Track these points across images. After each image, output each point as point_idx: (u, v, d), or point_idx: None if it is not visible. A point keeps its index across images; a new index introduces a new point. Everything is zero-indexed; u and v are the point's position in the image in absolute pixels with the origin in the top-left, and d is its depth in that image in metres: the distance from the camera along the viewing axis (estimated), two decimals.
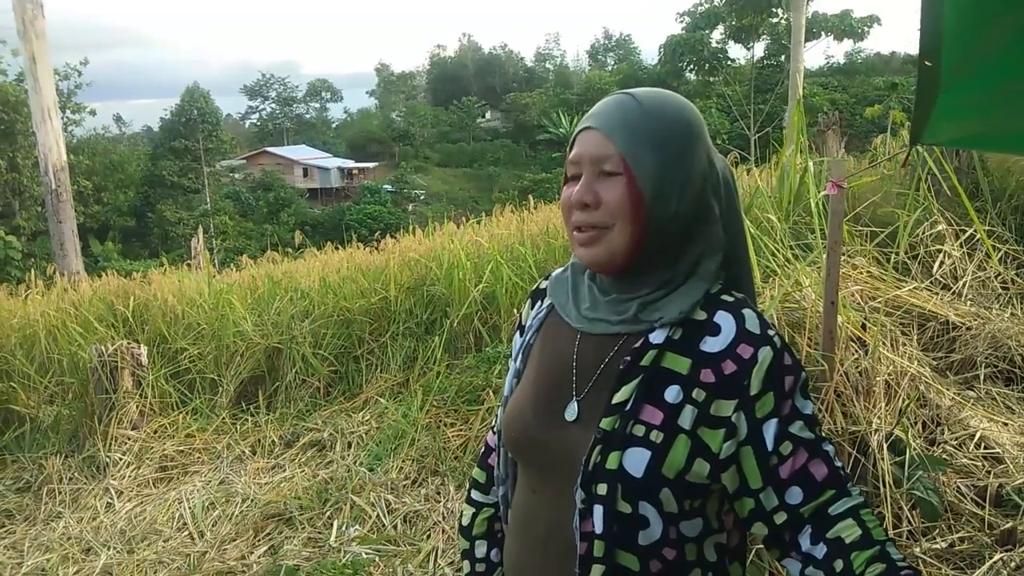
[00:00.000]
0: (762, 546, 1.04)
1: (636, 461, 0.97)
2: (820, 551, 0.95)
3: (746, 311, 1.02)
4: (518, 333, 1.26)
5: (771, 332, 1.01)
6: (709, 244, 1.07)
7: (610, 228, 1.02)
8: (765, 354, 0.98)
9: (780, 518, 0.98)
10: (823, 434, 1.01)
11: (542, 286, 1.24)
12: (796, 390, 1.00)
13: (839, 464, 1.00)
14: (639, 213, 1.01)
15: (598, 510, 0.98)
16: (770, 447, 0.97)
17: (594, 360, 1.07)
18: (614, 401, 1.01)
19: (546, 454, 1.08)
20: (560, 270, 1.20)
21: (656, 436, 0.98)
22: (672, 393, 0.99)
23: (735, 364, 0.98)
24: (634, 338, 1.04)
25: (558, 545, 1.04)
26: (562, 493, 1.03)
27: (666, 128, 1.03)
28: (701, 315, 1.03)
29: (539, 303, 1.23)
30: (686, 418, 0.98)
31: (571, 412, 1.06)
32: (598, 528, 0.98)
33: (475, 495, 1.33)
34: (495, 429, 1.30)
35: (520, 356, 1.20)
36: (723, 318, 1.02)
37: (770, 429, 0.97)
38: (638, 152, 1.01)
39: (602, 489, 0.98)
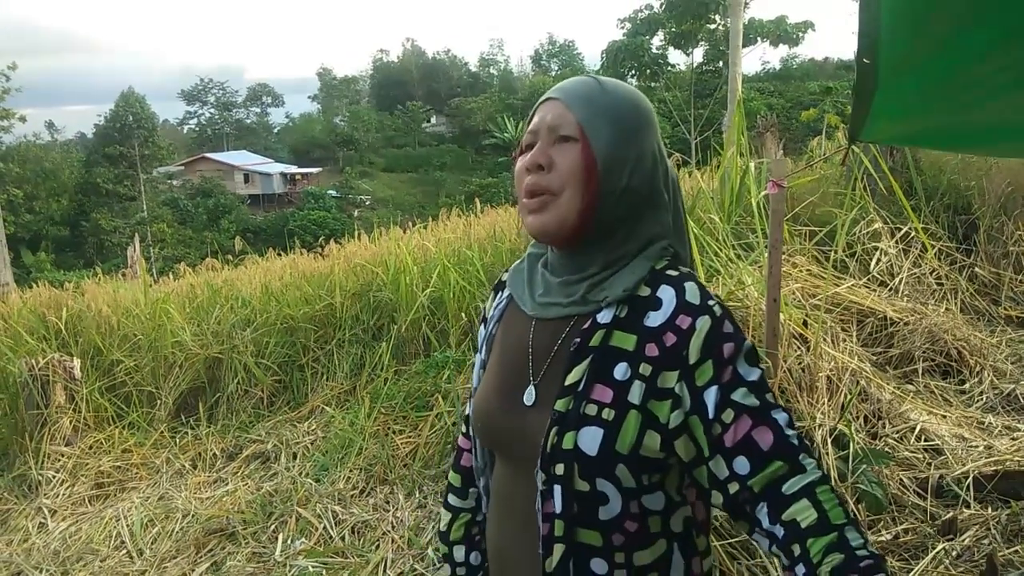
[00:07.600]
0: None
1: (590, 440, 0.99)
2: (779, 532, 0.93)
3: (688, 283, 1.03)
4: (482, 325, 1.28)
5: (711, 302, 1.01)
6: (657, 230, 1.09)
7: (560, 194, 1.04)
8: (703, 323, 0.99)
9: (733, 488, 0.97)
10: (774, 401, 0.99)
11: (503, 278, 1.27)
12: (739, 356, 0.99)
13: (790, 433, 0.96)
14: (591, 180, 1.03)
15: (557, 490, 1.00)
16: (711, 415, 0.97)
17: (548, 344, 1.10)
18: (566, 383, 1.03)
19: (511, 439, 1.11)
20: (518, 262, 1.24)
21: (608, 414, 0.99)
22: (620, 370, 1.01)
23: (675, 335, 0.99)
24: (583, 319, 1.06)
25: (533, 527, 1.05)
26: (529, 477, 1.05)
27: (623, 106, 1.07)
28: (645, 291, 1.04)
29: (499, 294, 1.26)
30: (635, 394, 0.99)
31: (529, 397, 1.09)
32: (557, 508, 1.00)
33: (452, 500, 1.35)
34: (464, 429, 1.33)
35: (484, 347, 1.23)
36: (664, 292, 1.03)
37: (710, 396, 0.97)
38: (595, 121, 1.04)
39: (560, 469, 1.00)
